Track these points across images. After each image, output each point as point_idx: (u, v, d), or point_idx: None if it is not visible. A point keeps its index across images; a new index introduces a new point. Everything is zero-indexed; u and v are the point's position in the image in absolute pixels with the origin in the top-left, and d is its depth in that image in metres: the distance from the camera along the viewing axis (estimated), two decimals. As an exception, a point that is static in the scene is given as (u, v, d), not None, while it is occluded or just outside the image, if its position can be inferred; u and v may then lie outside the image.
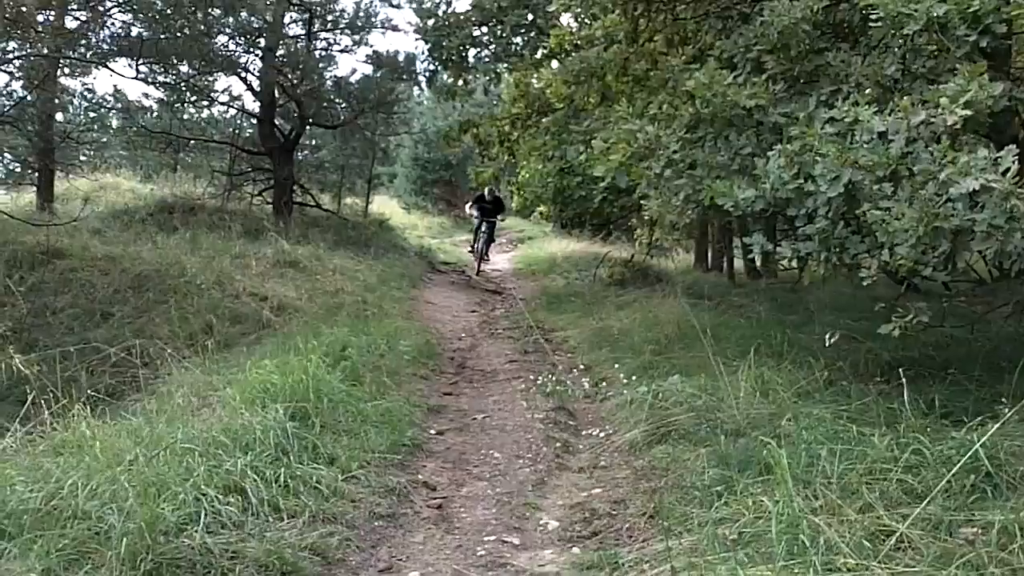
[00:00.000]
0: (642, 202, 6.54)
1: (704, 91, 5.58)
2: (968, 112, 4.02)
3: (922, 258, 3.96)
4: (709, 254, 16.87)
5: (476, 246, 18.07)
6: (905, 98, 4.32)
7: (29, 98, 14.43)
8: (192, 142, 20.05)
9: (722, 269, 15.64)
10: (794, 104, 5.41)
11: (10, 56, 14.19)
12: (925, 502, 3.05)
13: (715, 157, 5.58)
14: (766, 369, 5.32)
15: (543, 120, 14.31)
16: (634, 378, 6.22)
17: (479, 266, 17.89)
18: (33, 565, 2.90)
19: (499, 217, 18.03)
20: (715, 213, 5.52)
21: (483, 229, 17.56)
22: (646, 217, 6.48)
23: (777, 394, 4.95)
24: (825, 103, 5.21)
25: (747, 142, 5.56)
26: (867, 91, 4.94)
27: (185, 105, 19.92)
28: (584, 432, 5.84)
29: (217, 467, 3.89)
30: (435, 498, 4.52)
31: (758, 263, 13.74)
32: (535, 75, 14.78)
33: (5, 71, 14.56)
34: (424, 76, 17.45)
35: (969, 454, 3.21)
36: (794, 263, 4.97)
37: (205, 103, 20.17)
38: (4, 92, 15.16)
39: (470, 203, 18.12)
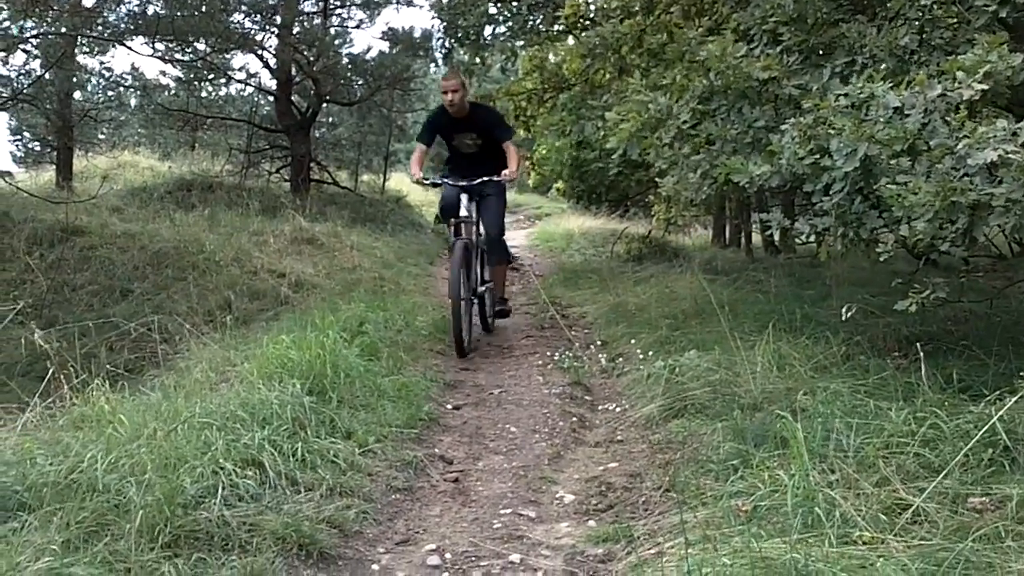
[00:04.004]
0: (658, 179, 6.52)
1: (717, 63, 5.55)
2: (985, 85, 3.98)
3: (939, 233, 3.92)
4: (727, 230, 16.79)
5: (454, 271, 7.15)
6: (921, 71, 4.28)
7: (47, 77, 14.52)
8: (210, 120, 20.11)
9: (739, 245, 15.57)
10: (808, 76, 5.37)
11: (28, 35, 14.26)
12: (942, 475, 3.04)
13: (728, 130, 5.55)
14: (783, 344, 5.30)
15: (560, 96, 14.27)
16: (651, 353, 6.21)
17: (465, 341, 7.29)
18: (53, 537, 2.92)
19: (505, 173, 7.53)
20: (732, 189, 5.50)
21: (466, 211, 7.46)
22: (663, 193, 6.46)
23: (794, 368, 4.93)
24: (839, 74, 5.18)
25: (760, 114, 5.53)
26: (883, 64, 4.90)
27: (202, 83, 20.01)
28: (600, 407, 5.85)
29: (235, 441, 3.91)
30: (452, 472, 4.54)
31: (776, 239, 13.68)
32: (551, 50, 14.74)
33: (23, 50, 14.66)
34: (440, 53, 17.37)
35: (987, 428, 3.19)
36: (812, 239, 4.93)
37: (222, 81, 20.30)
38: (23, 71, 15.26)
39: (417, 149, 7.97)
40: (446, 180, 7.76)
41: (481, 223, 7.78)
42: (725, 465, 3.83)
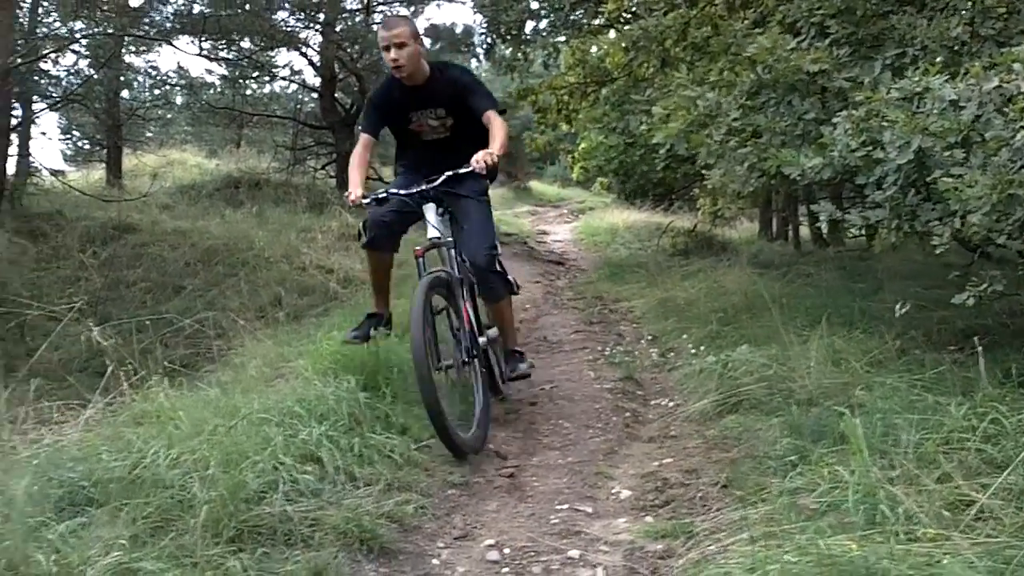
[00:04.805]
0: (704, 172, 6.49)
1: (766, 56, 5.52)
2: (1042, 78, 3.93)
3: (996, 226, 3.87)
4: (774, 223, 16.66)
5: (415, 329, 4.39)
6: (976, 63, 4.23)
7: (96, 76, 14.74)
8: (255, 117, 20.31)
9: (787, 238, 15.44)
10: (858, 69, 5.32)
11: (77, 35, 14.50)
12: (1006, 472, 2.99)
13: (778, 123, 5.51)
14: (837, 338, 5.25)
15: (602, 90, 14.20)
16: (702, 348, 6.19)
17: (454, 435, 4.41)
18: (121, 532, 2.96)
19: (478, 158, 4.68)
20: (780, 182, 5.46)
21: (436, 229, 4.99)
22: (708, 186, 6.44)
23: (849, 363, 4.88)
24: (891, 67, 5.13)
25: (810, 107, 5.49)
26: (936, 58, 4.85)
27: (247, 81, 20.17)
28: (653, 402, 5.84)
29: (293, 437, 3.96)
30: (507, 467, 4.56)
31: (825, 231, 13.54)
32: (593, 43, 14.69)
33: (73, 51, 14.89)
34: (482, 48, 17.38)
35: (1051, 423, 3.16)
36: (863, 231, 4.89)
37: (267, 78, 20.43)
38: (72, 71, 15.49)
39: (360, 142, 5.30)
40: (395, 192, 5.02)
41: (460, 246, 5.14)
42: (783, 461, 3.80)
